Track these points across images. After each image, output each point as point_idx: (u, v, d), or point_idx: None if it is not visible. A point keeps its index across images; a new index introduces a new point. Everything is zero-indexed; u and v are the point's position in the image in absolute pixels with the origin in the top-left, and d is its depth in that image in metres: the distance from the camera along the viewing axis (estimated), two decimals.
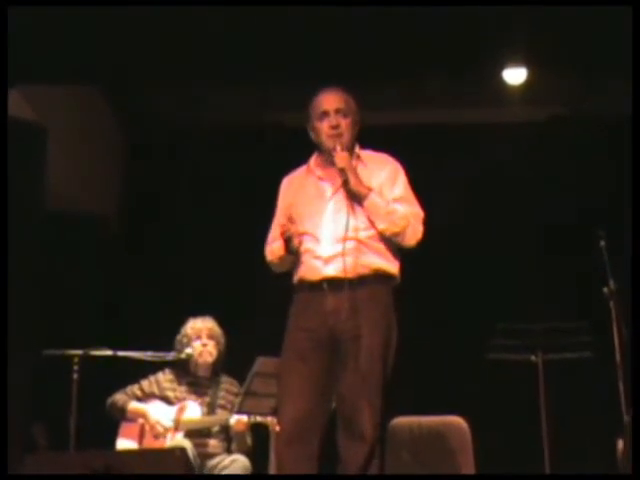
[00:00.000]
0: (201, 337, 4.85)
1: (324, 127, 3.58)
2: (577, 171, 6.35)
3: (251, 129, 6.65)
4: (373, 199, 3.49)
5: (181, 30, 4.97)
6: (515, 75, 5.80)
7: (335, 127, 3.56)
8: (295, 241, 3.49)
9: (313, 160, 3.70)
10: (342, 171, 3.50)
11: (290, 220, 3.50)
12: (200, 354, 4.82)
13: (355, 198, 3.50)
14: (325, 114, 3.59)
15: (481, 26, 4.99)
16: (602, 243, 4.53)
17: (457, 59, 5.26)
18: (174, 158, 6.75)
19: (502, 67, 5.67)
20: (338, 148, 3.53)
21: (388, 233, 3.50)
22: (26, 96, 5.45)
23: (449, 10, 4.84)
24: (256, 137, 6.63)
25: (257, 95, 6.37)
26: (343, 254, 3.43)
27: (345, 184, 3.50)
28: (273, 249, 3.63)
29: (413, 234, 3.53)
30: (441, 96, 6.31)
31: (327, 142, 3.58)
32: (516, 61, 5.54)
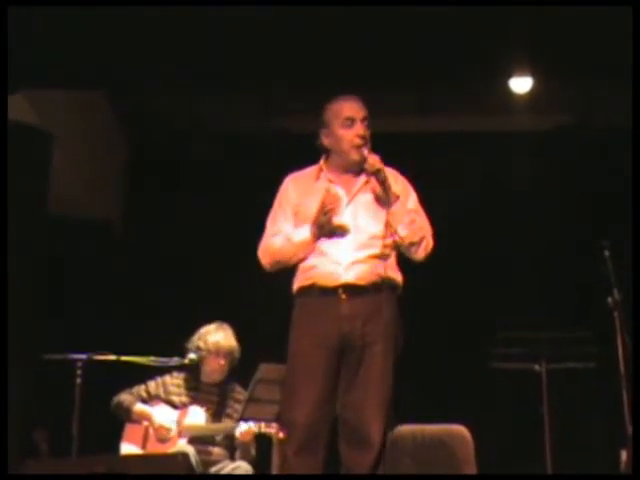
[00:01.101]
0: (219, 356, 4.79)
1: (350, 135, 3.54)
2: (582, 180, 6.35)
3: (252, 132, 6.64)
4: (400, 205, 3.50)
5: (184, 33, 4.96)
6: (521, 84, 5.81)
7: (363, 137, 3.53)
8: (326, 221, 3.43)
9: (323, 163, 3.66)
10: (379, 172, 3.47)
11: (334, 194, 3.45)
12: (213, 370, 4.79)
13: (384, 201, 3.48)
14: (352, 122, 3.54)
15: (487, 35, 4.99)
16: (606, 253, 4.52)
17: (463, 67, 5.26)
18: (177, 161, 6.74)
19: (508, 76, 5.67)
20: (365, 152, 3.50)
21: (407, 241, 3.50)
22: (30, 101, 5.45)
23: (455, 18, 4.85)
24: (257, 140, 6.62)
25: (258, 98, 6.38)
26: (364, 261, 3.44)
27: (382, 184, 3.46)
28: (292, 239, 3.52)
29: (425, 247, 3.54)
30: (447, 104, 6.32)
31: (351, 151, 3.54)
32: (522, 70, 5.54)
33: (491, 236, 6.28)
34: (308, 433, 3.34)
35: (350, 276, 3.44)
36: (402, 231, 3.48)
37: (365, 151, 3.51)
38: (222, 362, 4.80)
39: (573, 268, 6.13)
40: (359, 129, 3.54)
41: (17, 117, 5.10)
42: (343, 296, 3.43)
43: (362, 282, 3.43)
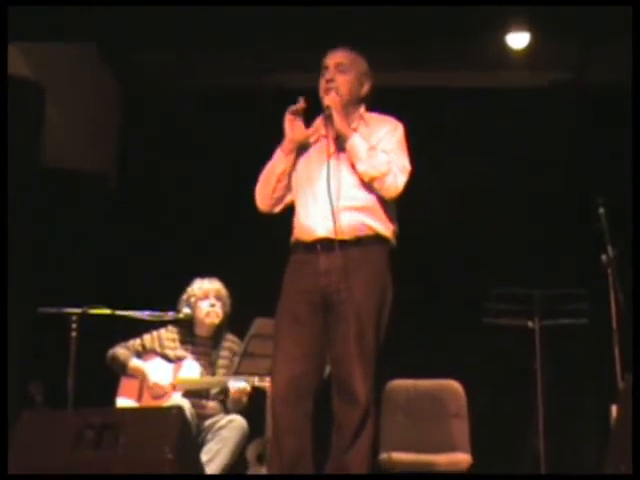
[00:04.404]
0: (209, 297, 4.82)
1: (322, 82, 3.56)
2: (578, 136, 6.33)
3: (247, 87, 6.61)
4: (355, 140, 3.44)
5: None
6: (518, 40, 5.77)
7: (329, 81, 3.52)
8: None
9: (319, 119, 3.63)
10: (327, 108, 3.48)
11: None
12: (208, 314, 4.80)
13: (339, 139, 3.46)
14: (325, 68, 3.57)
15: None
16: (601, 210, 4.52)
17: (460, 22, 5.22)
18: (172, 115, 6.70)
19: (505, 31, 5.64)
20: (332, 92, 3.49)
21: (367, 178, 3.43)
22: (23, 53, 5.40)
23: None
24: (252, 94, 6.58)
25: (253, 53, 6.33)
26: (336, 214, 3.36)
27: (329, 119, 3.47)
28: (279, 157, 3.57)
29: (393, 183, 3.43)
30: (444, 59, 6.27)
31: (323, 97, 3.55)
32: (519, 26, 5.50)
33: (485, 192, 6.26)
34: (292, 387, 3.33)
35: (323, 230, 3.40)
36: (360, 166, 3.43)
37: (332, 94, 3.50)
38: (214, 303, 4.81)
39: (568, 225, 6.14)
40: (328, 74, 3.54)
41: (9, 70, 5.05)
42: (320, 251, 3.40)
43: (334, 236, 3.37)
